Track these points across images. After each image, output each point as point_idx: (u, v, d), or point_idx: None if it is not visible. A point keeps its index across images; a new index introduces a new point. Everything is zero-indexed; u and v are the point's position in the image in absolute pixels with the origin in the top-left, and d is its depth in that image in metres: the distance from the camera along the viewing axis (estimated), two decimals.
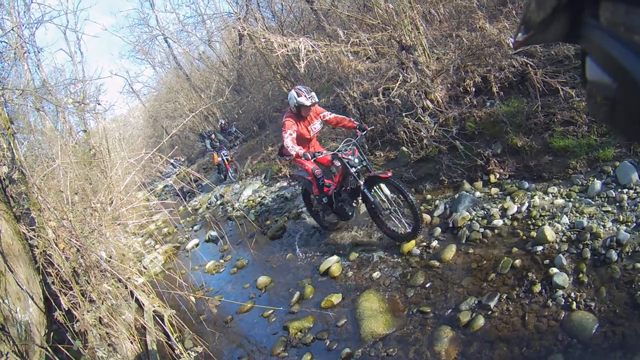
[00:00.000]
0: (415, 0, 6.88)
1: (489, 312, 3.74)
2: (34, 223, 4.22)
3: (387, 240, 5.58)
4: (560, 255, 3.85)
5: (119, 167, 7.50)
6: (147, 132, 29.97)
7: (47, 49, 32.01)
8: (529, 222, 4.55)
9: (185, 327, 4.51)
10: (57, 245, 4.14)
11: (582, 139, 4.88)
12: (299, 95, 5.71)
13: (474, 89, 6.21)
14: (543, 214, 4.52)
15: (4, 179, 4.18)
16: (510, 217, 4.76)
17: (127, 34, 56.62)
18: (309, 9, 13.10)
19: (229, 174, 13.65)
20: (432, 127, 6.28)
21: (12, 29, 8.26)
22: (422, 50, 6.72)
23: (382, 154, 7.63)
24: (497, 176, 5.49)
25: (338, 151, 5.46)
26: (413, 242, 5.21)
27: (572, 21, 0.64)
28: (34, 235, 4.08)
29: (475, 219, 5.01)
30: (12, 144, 4.35)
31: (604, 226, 3.97)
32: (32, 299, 3.85)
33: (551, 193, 4.76)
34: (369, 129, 5.83)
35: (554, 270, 3.74)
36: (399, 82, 6.63)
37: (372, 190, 5.41)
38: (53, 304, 3.83)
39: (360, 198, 5.75)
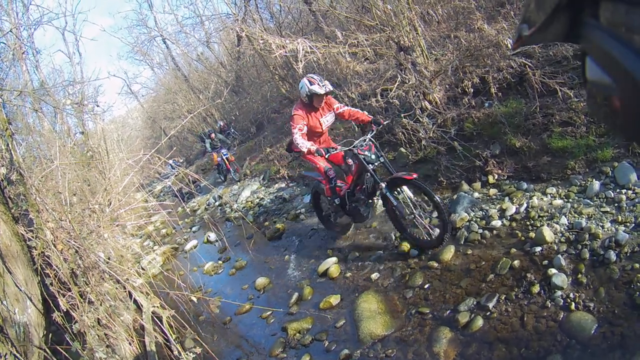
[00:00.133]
0: (414, 1, 6.88)
1: (488, 313, 3.74)
2: (32, 224, 4.22)
3: (385, 241, 5.58)
4: (559, 255, 3.85)
5: (117, 168, 7.50)
6: (146, 133, 29.96)
7: (45, 50, 31.99)
8: (528, 222, 4.55)
9: (187, 327, 4.51)
10: (55, 246, 4.14)
11: (580, 139, 4.88)
12: (311, 84, 5.35)
13: (472, 90, 6.22)
14: (541, 214, 4.52)
15: (2, 180, 4.18)
16: (508, 217, 4.76)
17: (126, 35, 56.90)
18: (307, 10, 13.08)
19: (231, 174, 13.51)
20: (430, 128, 6.28)
21: (10, 30, 8.26)
22: (421, 51, 6.73)
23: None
24: (496, 177, 5.49)
25: (353, 147, 5.09)
26: (413, 242, 5.21)
27: (572, 21, 0.64)
28: (33, 237, 4.08)
29: (474, 219, 5.01)
30: (10, 145, 4.35)
31: (602, 227, 3.98)
32: (31, 300, 3.85)
33: (550, 194, 4.76)
34: (384, 123, 5.55)
35: (553, 270, 3.74)
36: (397, 83, 6.63)
37: (394, 193, 5.01)
38: (51, 305, 3.83)
39: (377, 197, 5.47)
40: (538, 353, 3.20)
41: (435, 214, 4.99)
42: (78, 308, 3.89)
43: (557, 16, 0.64)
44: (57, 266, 4.01)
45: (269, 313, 5.22)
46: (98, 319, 4.02)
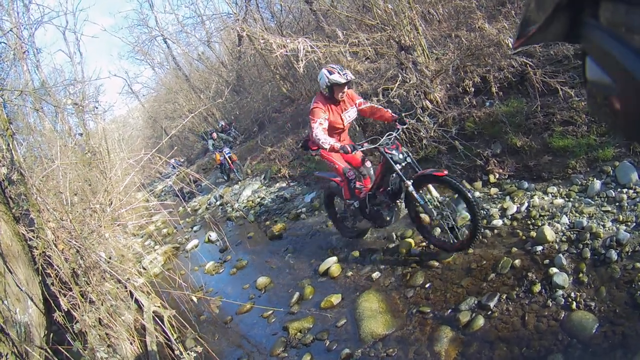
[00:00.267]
0: (414, 1, 6.88)
1: (489, 312, 3.74)
2: (33, 224, 4.22)
3: (386, 241, 5.57)
4: (560, 255, 3.85)
5: (118, 168, 7.51)
6: (147, 132, 29.99)
7: (46, 49, 32.01)
8: (529, 222, 4.55)
9: (188, 327, 4.51)
10: (56, 246, 4.14)
11: (581, 138, 4.88)
12: (331, 73, 4.92)
13: (473, 89, 6.21)
14: (542, 213, 4.52)
15: (3, 180, 4.18)
16: (509, 217, 4.76)
17: (126, 35, 56.91)
18: (308, 10, 13.08)
19: (234, 173, 13.33)
20: (431, 128, 6.28)
21: (11, 30, 8.27)
22: (421, 51, 6.72)
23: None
24: (497, 176, 5.49)
25: (379, 145, 4.73)
26: (412, 242, 5.21)
27: (572, 21, 0.64)
28: (33, 236, 4.08)
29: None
30: (11, 145, 4.34)
31: (603, 226, 3.97)
32: (32, 300, 3.85)
33: (551, 193, 4.76)
34: (409, 122, 5.23)
35: (554, 270, 3.74)
36: (398, 83, 6.62)
37: (420, 192, 4.68)
38: (52, 305, 3.83)
39: (401, 200, 5.09)
40: (539, 352, 3.20)
41: (458, 215, 4.82)
42: (79, 308, 3.89)
43: (557, 16, 0.64)
44: (58, 266, 4.01)
45: (270, 312, 5.22)
46: (99, 318, 4.02)
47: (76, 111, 10.23)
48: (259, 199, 10.16)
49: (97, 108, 10.43)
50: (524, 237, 4.39)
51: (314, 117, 4.94)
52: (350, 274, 5.30)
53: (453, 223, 4.61)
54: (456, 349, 3.59)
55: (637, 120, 0.55)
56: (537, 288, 3.70)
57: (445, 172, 4.46)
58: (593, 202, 4.31)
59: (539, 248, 4.10)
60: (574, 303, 3.41)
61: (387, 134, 4.84)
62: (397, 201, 5.17)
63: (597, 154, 4.65)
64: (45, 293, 4.01)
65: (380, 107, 5.35)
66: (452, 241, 4.67)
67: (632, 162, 4.34)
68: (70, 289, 3.98)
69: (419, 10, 7.26)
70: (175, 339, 4.46)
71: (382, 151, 4.70)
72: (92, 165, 8.84)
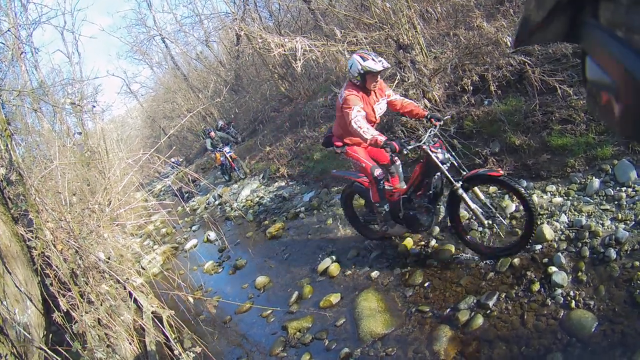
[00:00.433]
0: None
1: (488, 311, 3.74)
2: (32, 224, 4.22)
3: (385, 240, 5.57)
4: (559, 253, 3.85)
5: (117, 168, 7.50)
6: (145, 132, 30.04)
7: (44, 49, 31.97)
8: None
9: (184, 327, 4.51)
10: (55, 246, 4.14)
11: (580, 137, 4.88)
12: (364, 59, 4.42)
13: (471, 88, 6.22)
14: (541, 212, 4.51)
15: (1, 181, 4.17)
16: (508, 215, 4.76)
17: (125, 35, 56.78)
18: (307, 9, 13.09)
19: (236, 172, 13.01)
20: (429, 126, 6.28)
21: (9, 30, 8.25)
22: (420, 49, 6.73)
23: None
24: None
25: (423, 143, 4.28)
26: (411, 241, 5.21)
27: (572, 21, 0.64)
28: (32, 237, 4.07)
29: (474, 218, 5.00)
30: (9, 146, 4.34)
31: (602, 224, 3.98)
32: (31, 300, 3.85)
33: (549, 191, 4.76)
34: (445, 118, 4.81)
35: (553, 268, 3.74)
36: (396, 81, 6.63)
37: (469, 194, 4.28)
38: (51, 305, 3.83)
39: (443, 204, 4.68)
40: (538, 351, 3.20)
41: (521, 218, 4.48)
42: (78, 308, 3.89)
43: (557, 15, 0.64)
44: (57, 266, 4.01)
45: (269, 312, 5.22)
46: (98, 319, 4.02)
47: (74, 111, 10.23)
48: (257, 199, 10.16)
49: (95, 108, 10.43)
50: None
51: (350, 105, 4.41)
52: (349, 273, 5.30)
53: (499, 226, 4.30)
54: (455, 348, 3.59)
55: (636, 119, 0.55)
56: (536, 287, 3.70)
57: (501, 171, 4.17)
58: (592, 201, 4.32)
59: (538, 247, 4.10)
60: (573, 302, 3.41)
61: (429, 130, 4.44)
62: (439, 204, 4.71)
63: (595, 153, 4.65)
64: (44, 293, 4.00)
65: (411, 101, 4.92)
66: (497, 245, 4.40)
67: (631, 160, 4.34)
68: (69, 290, 3.98)
69: (418, 8, 7.27)
70: (174, 339, 4.46)
71: (427, 150, 4.24)
72: (91, 165, 8.85)
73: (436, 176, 4.46)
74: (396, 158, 5.08)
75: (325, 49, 6.39)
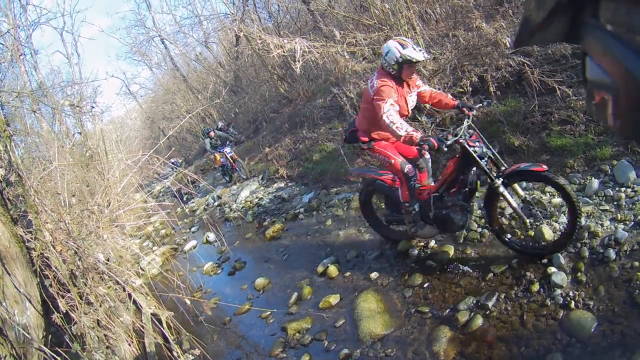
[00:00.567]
0: (412, 0, 6.90)
1: (487, 312, 3.74)
2: (31, 225, 4.22)
3: (384, 241, 5.56)
4: (558, 254, 3.85)
5: (116, 169, 7.49)
6: (145, 133, 30.04)
7: (43, 51, 32.09)
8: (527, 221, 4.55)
9: (182, 329, 4.50)
10: (54, 247, 4.14)
11: (579, 137, 4.89)
12: (403, 47, 3.99)
13: (470, 89, 6.22)
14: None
15: (1, 182, 4.17)
16: (507, 216, 4.75)
17: (124, 36, 56.85)
18: (306, 10, 13.11)
19: (237, 173, 12.72)
20: (429, 127, 6.28)
21: (8, 31, 8.26)
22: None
23: None
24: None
25: (460, 137, 3.91)
26: (411, 241, 5.20)
27: (572, 21, 0.64)
28: (31, 238, 4.07)
29: (473, 218, 5.00)
30: (8, 147, 4.34)
31: (602, 225, 3.98)
32: (30, 301, 3.85)
33: (548, 192, 4.76)
34: (477, 107, 4.37)
35: (552, 269, 3.74)
36: None
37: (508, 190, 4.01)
38: (51, 306, 3.83)
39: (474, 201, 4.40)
40: (538, 352, 3.20)
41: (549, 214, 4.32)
42: (77, 309, 3.89)
43: (557, 16, 0.64)
44: (56, 267, 4.01)
45: (268, 313, 5.22)
46: (97, 320, 4.02)
47: (73, 112, 10.23)
48: (257, 200, 10.15)
49: (94, 109, 10.43)
50: (522, 237, 4.39)
51: (383, 96, 4.01)
52: (348, 274, 5.29)
53: (541, 223, 4.14)
54: (455, 349, 3.59)
55: (636, 120, 0.55)
56: (536, 287, 3.70)
57: (544, 166, 3.79)
58: (591, 201, 4.32)
59: None
60: (573, 302, 3.41)
61: (464, 122, 4.09)
62: (473, 202, 4.44)
63: (595, 153, 4.66)
64: (44, 295, 4.00)
65: (439, 92, 4.61)
66: (535, 243, 4.15)
67: (630, 161, 4.35)
68: (69, 291, 3.98)
69: (417, 9, 7.27)
70: (173, 341, 4.45)
71: (465, 145, 3.91)
72: (90, 166, 8.85)
73: (472, 172, 4.15)
74: (426, 153, 4.73)
75: (324, 50, 6.40)
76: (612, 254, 3.60)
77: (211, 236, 8.98)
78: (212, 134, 13.51)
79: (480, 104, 4.52)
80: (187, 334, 4.54)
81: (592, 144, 4.74)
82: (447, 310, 4.01)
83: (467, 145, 3.88)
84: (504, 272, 4.05)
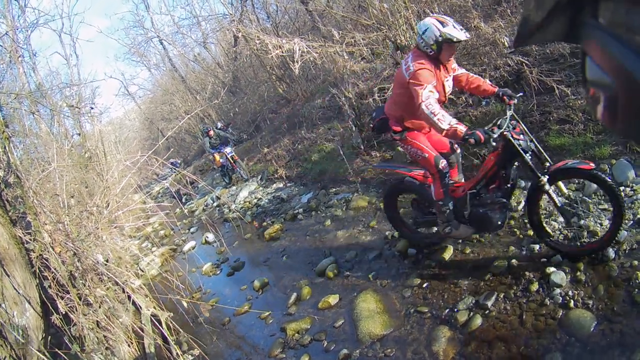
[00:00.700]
0: (410, 0, 6.89)
1: (487, 312, 3.74)
2: (30, 227, 4.22)
3: (383, 240, 5.56)
4: (558, 254, 3.85)
5: (115, 170, 7.48)
6: (143, 134, 30.02)
7: (42, 52, 32.06)
8: (526, 220, 4.55)
9: (181, 330, 4.50)
10: (53, 249, 4.14)
11: (578, 137, 4.89)
12: (444, 25, 3.61)
13: None
14: (540, 212, 4.51)
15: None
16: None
17: (122, 37, 56.68)
18: (304, 10, 13.11)
19: (238, 173, 12.52)
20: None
21: (6, 33, 8.25)
22: None
23: (377, 154, 7.63)
24: None
25: (504, 130, 3.59)
26: (410, 242, 5.20)
27: (571, 21, 0.64)
28: (30, 239, 4.07)
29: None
30: (7, 148, 4.34)
31: (600, 224, 3.98)
32: (29, 303, 3.84)
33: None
34: (518, 95, 4.01)
35: (551, 268, 3.74)
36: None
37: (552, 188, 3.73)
38: (50, 307, 3.83)
39: (524, 199, 4.20)
40: (537, 351, 3.20)
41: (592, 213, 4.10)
42: (77, 310, 3.89)
43: (556, 16, 0.64)
44: (55, 269, 4.01)
45: (267, 313, 5.21)
46: (97, 321, 4.02)
47: (72, 113, 10.22)
48: (255, 200, 10.15)
49: (93, 110, 10.43)
50: (521, 236, 4.40)
51: (422, 81, 3.59)
52: (347, 274, 5.29)
53: (584, 223, 3.96)
54: (454, 349, 3.59)
55: (636, 119, 0.55)
56: (535, 287, 3.70)
57: (592, 164, 3.56)
58: (590, 200, 4.32)
59: (537, 247, 4.10)
60: (572, 301, 3.41)
61: (508, 112, 3.78)
62: (511, 199, 4.15)
63: (593, 152, 4.66)
64: (43, 296, 4.00)
65: (477, 76, 4.22)
66: (578, 243, 3.88)
67: (629, 160, 4.36)
68: (68, 292, 3.97)
69: (415, 9, 7.27)
70: (172, 341, 4.45)
71: (510, 137, 3.63)
72: (89, 167, 8.84)
73: (514, 167, 3.88)
74: (457, 146, 4.43)
75: (323, 51, 6.40)
76: (611, 253, 3.60)
77: (210, 237, 8.98)
78: (211, 132, 13.21)
79: (521, 93, 4.28)
80: (187, 334, 4.54)
81: (591, 143, 4.74)
82: (447, 310, 4.00)
83: (511, 139, 3.62)
84: (503, 272, 4.05)
